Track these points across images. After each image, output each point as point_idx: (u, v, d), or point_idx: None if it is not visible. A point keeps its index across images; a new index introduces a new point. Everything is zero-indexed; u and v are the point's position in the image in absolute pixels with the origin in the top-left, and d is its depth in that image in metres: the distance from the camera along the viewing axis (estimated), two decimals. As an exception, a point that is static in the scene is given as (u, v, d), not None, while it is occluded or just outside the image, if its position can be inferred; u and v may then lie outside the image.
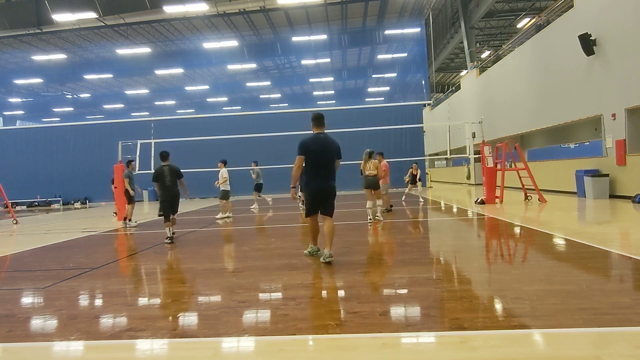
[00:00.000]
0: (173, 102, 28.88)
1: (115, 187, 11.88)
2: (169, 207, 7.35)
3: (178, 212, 7.67)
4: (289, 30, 24.25)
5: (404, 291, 3.85)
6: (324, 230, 5.21)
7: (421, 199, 13.65)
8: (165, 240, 7.24)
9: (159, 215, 7.43)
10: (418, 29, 23.42)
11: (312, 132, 5.28)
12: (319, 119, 5.26)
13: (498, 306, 3.34)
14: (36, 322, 3.48)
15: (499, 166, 12.48)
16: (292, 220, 10.62)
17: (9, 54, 24.74)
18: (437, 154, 27.46)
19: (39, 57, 24.14)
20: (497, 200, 11.75)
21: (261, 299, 3.83)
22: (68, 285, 4.64)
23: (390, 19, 23.88)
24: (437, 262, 5.19)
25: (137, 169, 14.06)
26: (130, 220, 10.38)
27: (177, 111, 28.41)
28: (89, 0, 17.96)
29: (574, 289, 3.57)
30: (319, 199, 5.22)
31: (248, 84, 27.84)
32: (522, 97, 17.01)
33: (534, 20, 18.77)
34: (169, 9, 18.17)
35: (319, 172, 5.14)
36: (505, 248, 6.01)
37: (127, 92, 28.79)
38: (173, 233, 7.40)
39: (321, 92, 29.74)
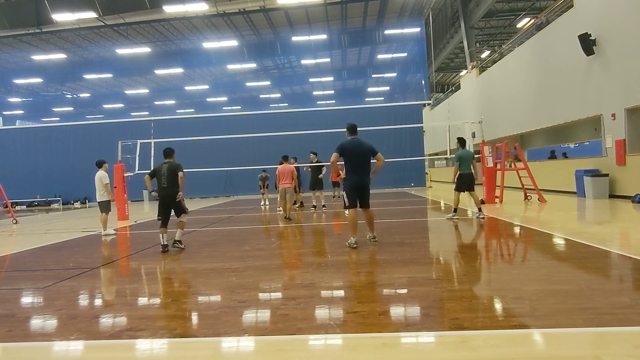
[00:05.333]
0: (173, 101, 28.85)
1: (115, 187, 11.89)
2: (163, 211, 6.62)
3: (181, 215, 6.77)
4: (289, 30, 24.24)
5: (404, 291, 3.85)
6: (366, 219, 6.23)
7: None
8: (160, 249, 6.45)
9: (157, 219, 6.74)
10: (418, 29, 23.41)
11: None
12: (352, 129, 6.19)
13: (498, 306, 3.34)
14: (36, 322, 3.48)
15: (498, 166, 12.49)
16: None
17: (9, 53, 24.74)
18: (436, 154, 27.46)
19: (38, 57, 24.13)
20: (496, 200, 11.75)
21: (261, 299, 3.83)
22: (68, 285, 4.64)
23: (390, 19, 23.88)
24: (437, 262, 5.19)
25: (136, 168, 14.10)
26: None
27: (177, 111, 28.38)
28: (89, 0, 17.95)
29: (574, 289, 3.58)
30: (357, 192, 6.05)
31: (248, 84, 27.81)
32: (522, 96, 17.01)
33: (533, 20, 18.77)
34: (169, 9, 18.17)
35: (356, 169, 6.02)
36: (505, 248, 6.01)
37: (127, 92, 28.77)
38: (179, 240, 6.61)
39: (321, 92, 29.70)
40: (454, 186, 8.99)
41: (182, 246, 6.60)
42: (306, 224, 9.66)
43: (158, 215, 6.67)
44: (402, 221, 9.09)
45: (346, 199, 6.09)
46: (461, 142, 8.98)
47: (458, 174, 8.69)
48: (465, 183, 8.70)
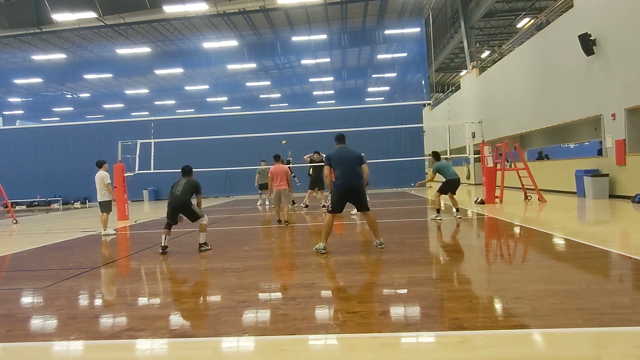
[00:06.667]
0: (173, 101, 28.83)
1: (115, 187, 11.87)
2: (170, 215, 6.56)
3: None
4: (289, 30, 24.24)
5: (404, 291, 3.85)
6: (367, 223, 5.96)
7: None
8: (159, 250, 6.35)
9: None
10: (418, 29, 23.40)
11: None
12: (339, 138, 6.17)
13: (498, 306, 3.34)
14: (36, 322, 3.48)
15: (498, 166, 12.49)
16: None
17: (9, 53, 24.71)
18: (436, 154, 27.41)
19: (38, 57, 24.11)
20: (496, 200, 11.75)
21: (261, 299, 3.83)
22: (68, 285, 4.64)
23: (390, 19, 23.86)
24: (437, 261, 5.20)
25: (136, 168, 14.10)
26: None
27: (177, 111, 28.36)
28: (89, 0, 17.96)
29: (574, 289, 3.58)
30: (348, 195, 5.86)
31: (248, 84, 27.80)
32: (522, 97, 17.00)
33: (533, 20, 18.77)
34: (169, 9, 18.16)
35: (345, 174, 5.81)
36: (505, 248, 6.01)
37: (127, 92, 28.75)
38: (203, 243, 6.47)
39: (321, 92, 29.68)
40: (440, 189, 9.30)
41: (209, 247, 6.48)
42: (306, 224, 9.66)
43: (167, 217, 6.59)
44: (402, 221, 9.10)
45: (330, 202, 5.93)
46: (435, 155, 9.49)
47: (445, 179, 9.01)
48: (451, 187, 9.03)
